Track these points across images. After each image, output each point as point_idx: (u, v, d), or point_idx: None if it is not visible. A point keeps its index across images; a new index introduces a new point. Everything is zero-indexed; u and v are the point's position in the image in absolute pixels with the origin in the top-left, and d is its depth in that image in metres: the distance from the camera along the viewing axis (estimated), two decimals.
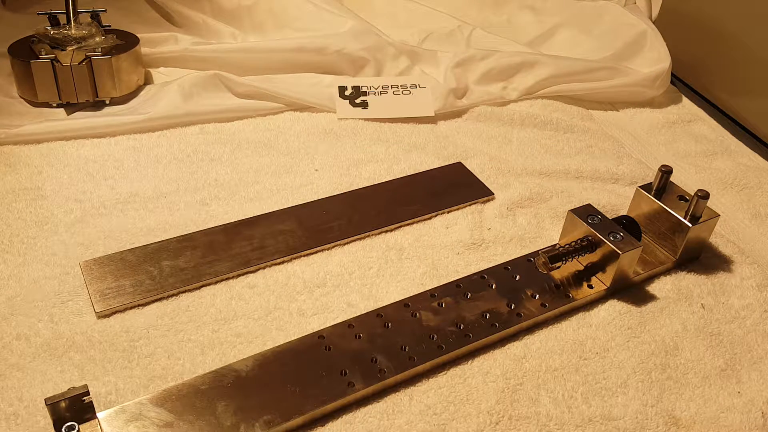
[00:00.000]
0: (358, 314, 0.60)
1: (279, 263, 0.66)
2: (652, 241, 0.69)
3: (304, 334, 0.57)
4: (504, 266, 0.66)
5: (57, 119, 0.84)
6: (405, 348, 0.56)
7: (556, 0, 1.20)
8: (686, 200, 0.67)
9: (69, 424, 0.48)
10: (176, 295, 0.61)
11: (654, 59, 1.02)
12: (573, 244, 0.63)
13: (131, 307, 0.60)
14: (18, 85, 0.89)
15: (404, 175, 0.79)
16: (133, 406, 0.51)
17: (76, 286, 0.62)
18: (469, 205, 0.75)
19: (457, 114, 0.93)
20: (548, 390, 0.55)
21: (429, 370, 0.56)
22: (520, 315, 0.60)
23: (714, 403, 0.55)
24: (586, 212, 0.65)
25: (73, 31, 0.89)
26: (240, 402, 0.51)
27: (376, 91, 0.94)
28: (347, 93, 0.93)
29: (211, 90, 0.91)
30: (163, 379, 0.54)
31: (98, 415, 0.50)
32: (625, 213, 0.71)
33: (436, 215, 0.73)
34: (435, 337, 0.57)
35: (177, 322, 0.59)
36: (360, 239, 0.69)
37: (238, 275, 0.64)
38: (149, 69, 0.98)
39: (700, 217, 0.66)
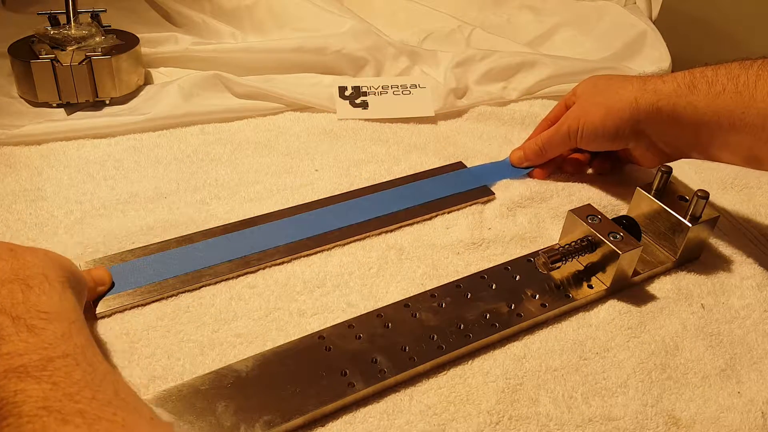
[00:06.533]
0: (358, 314, 0.60)
1: (279, 263, 0.66)
2: (652, 241, 0.69)
3: (304, 335, 0.57)
4: (504, 266, 0.66)
5: (57, 119, 0.83)
6: (405, 348, 0.56)
7: (556, 0, 1.20)
8: (686, 200, 0.67)
9: None
10: (176, 295, 0.61)
11: (654, 59, 1.02)
12: (573, 244, 0.63)
13: (131, 308, 0.60)
14: (18, 85, 0.88)
15: (404, 175, 0.79)
16: None
17: None
18: (469, 205, 0.75)
19: (457, 114, 0.93)
20: (548, 390, 0.55)
21: (429, 370, 0.56)
22: (520, 315, 0.60)
23: (714, 403, 0.55)
24: (586, 212, 0.65)
25: (73, 31, 0.89)
26: (240, 402, 0.51)
27: (376, 91, 0.94)
28: (347, 93, 0.93)
29: (211, 90, 0.91)
30: (163, 380, 0.54)
31: None
32: (625, 213, 0.71)
33: (436, 215, 0.73)
34: (435, 337, 0.57)
35: (177, 323, 0.59)
36: (360, 239, 0.69)
37: (238, 275, 0.64)
38: (149, 69, 0.98)
39: (700, 217, 0.66)
